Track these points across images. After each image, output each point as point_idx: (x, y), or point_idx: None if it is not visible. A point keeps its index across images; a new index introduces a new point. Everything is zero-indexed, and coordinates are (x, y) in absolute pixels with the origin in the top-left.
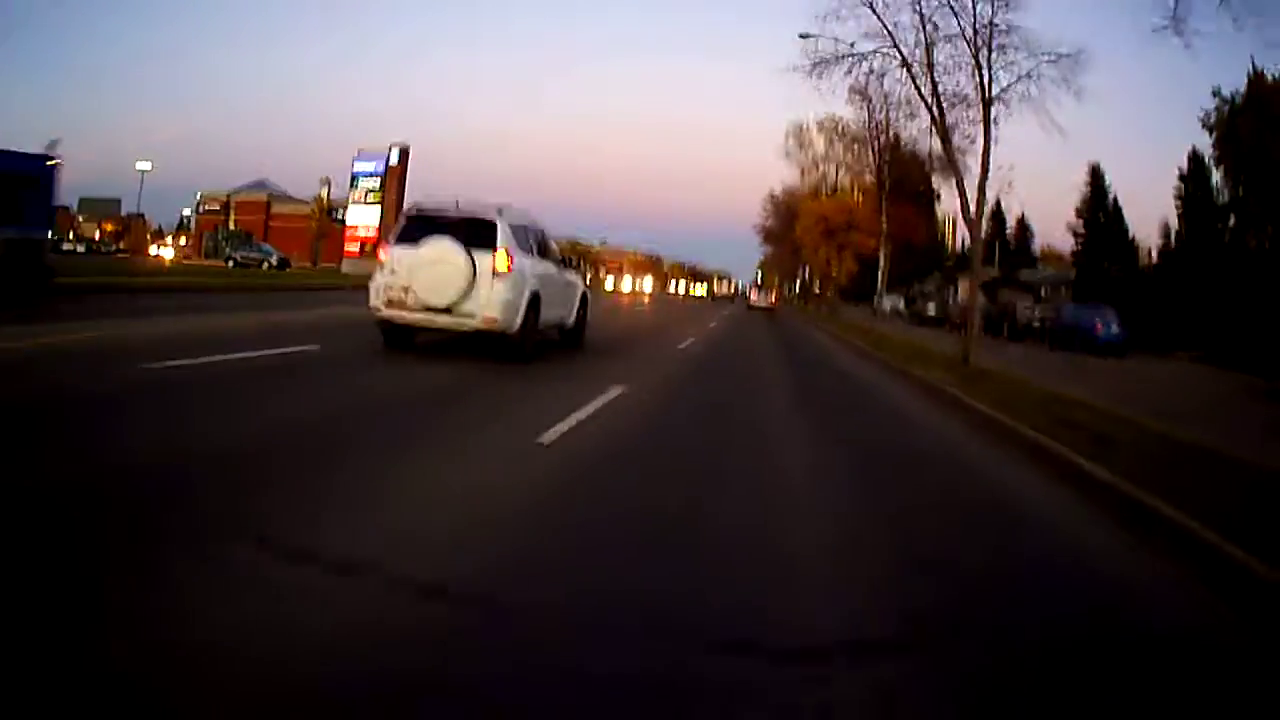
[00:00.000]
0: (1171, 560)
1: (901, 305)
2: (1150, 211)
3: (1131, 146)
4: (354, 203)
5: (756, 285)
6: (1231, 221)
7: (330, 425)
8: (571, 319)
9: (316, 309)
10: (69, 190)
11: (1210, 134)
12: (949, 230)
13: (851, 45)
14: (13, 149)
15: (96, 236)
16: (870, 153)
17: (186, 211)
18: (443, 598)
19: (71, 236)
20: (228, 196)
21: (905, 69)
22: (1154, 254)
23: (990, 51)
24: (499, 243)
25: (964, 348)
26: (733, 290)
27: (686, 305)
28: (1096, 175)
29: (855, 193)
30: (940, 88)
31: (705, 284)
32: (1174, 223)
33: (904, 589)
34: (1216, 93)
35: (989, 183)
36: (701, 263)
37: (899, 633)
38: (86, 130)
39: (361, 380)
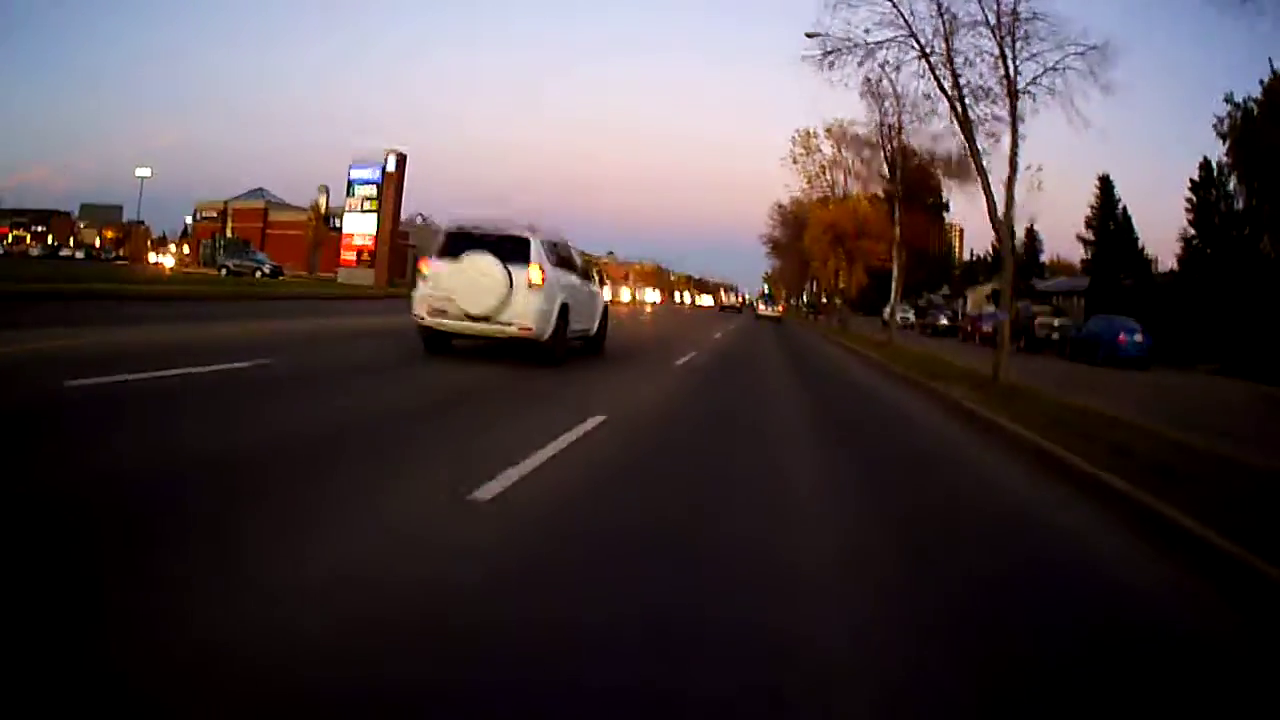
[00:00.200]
0: None
1: (912, 316)
2: (1157, 222)
3: (1138, 159)
4: (350, 210)
5: (764, 298)
6: (1246, 230)
7: (208, 471)
8: (594, 328)
9: (295, 320)
10: (71, 197)
11: (1224, 141)
12: (957, 240)
13: (866, 32)
14: None
15: (97, 243)
16: (882, 154)
17: (189, 219)
18: None
19: (71, 243)
20: (225, 204)
21: (923, 59)
22: (1173, 263)
23: (1015, 40)
24: (533, 258)
25: (995, 362)
26: (740, 301)
27: (691, 314)
28: (1106, 185)
29: (863, 200)
30: (962, 80)
31: (711, 295)
32: (1188, 232)
33: None
34: (1229, 99)
35: (1017, 181)
36: (708, 275)
37: None
38: (88, 136)
39: (296, 405)
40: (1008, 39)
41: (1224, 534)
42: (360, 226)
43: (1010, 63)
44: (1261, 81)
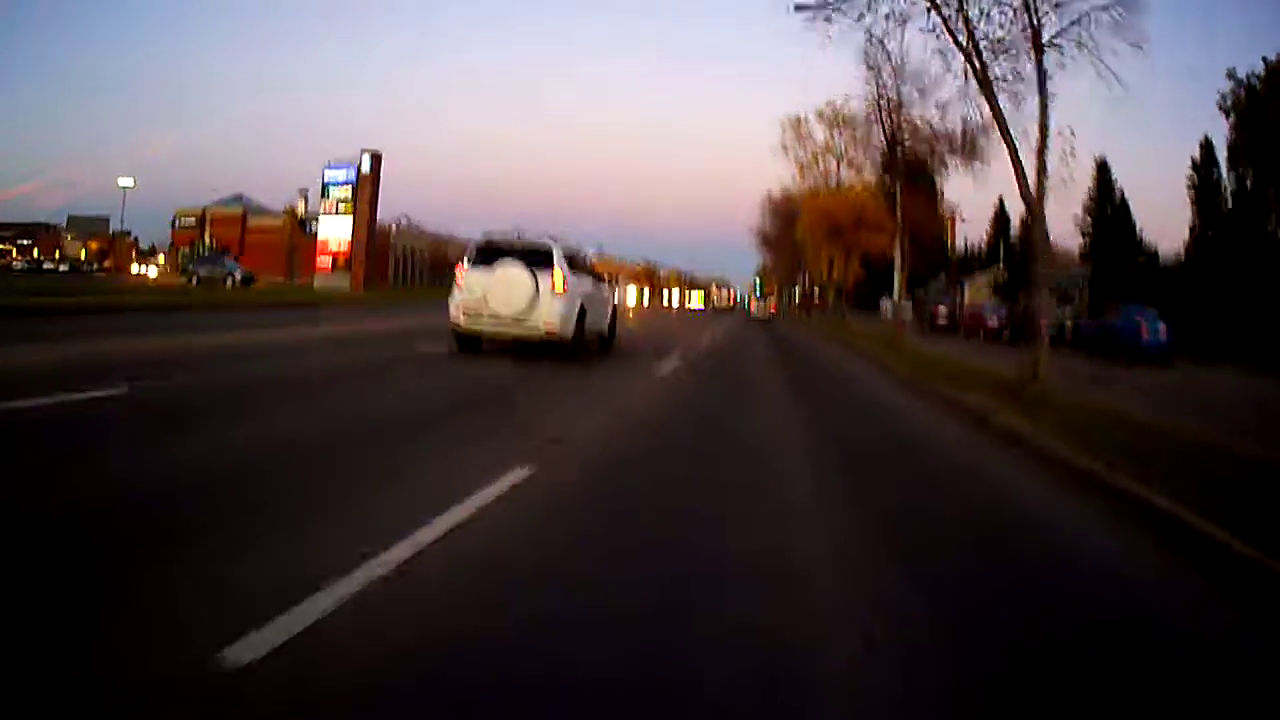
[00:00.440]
0: None
1: (909, 310)
2: (1151, 208)
3: (1131, 143)
4: (325, 214)
5: (756, 296)
6: (1254, 211)
7: None
8: (606, 327)
9: (230, 333)
10: (64, 211)
11: (1227, 117)
12: (950, 230)
13: None
14: None
15: (83, 256)
16: (881, 130)
17: (170, 227)
18: None
19: (56, 255)
20: (203, 211)
21: (933, 9)
22: (1169, 248)
23: None
24: (555, 266)
25: (1032, 362)
26: (732, 300)
27: (679, 319)
28: (1103, 170)
29: (861, 189)
30: (978, 33)
31: (702, 292)
32: (1194, 219)
33: None
34: (1231, 74)
35: (1049, 148)
36: (699, 272)
37: None
38: (80, 149)
39: (97, 460)
40: None
41: None
42: (335, 230)
43: (1034, 13)
44: (1265, 59)
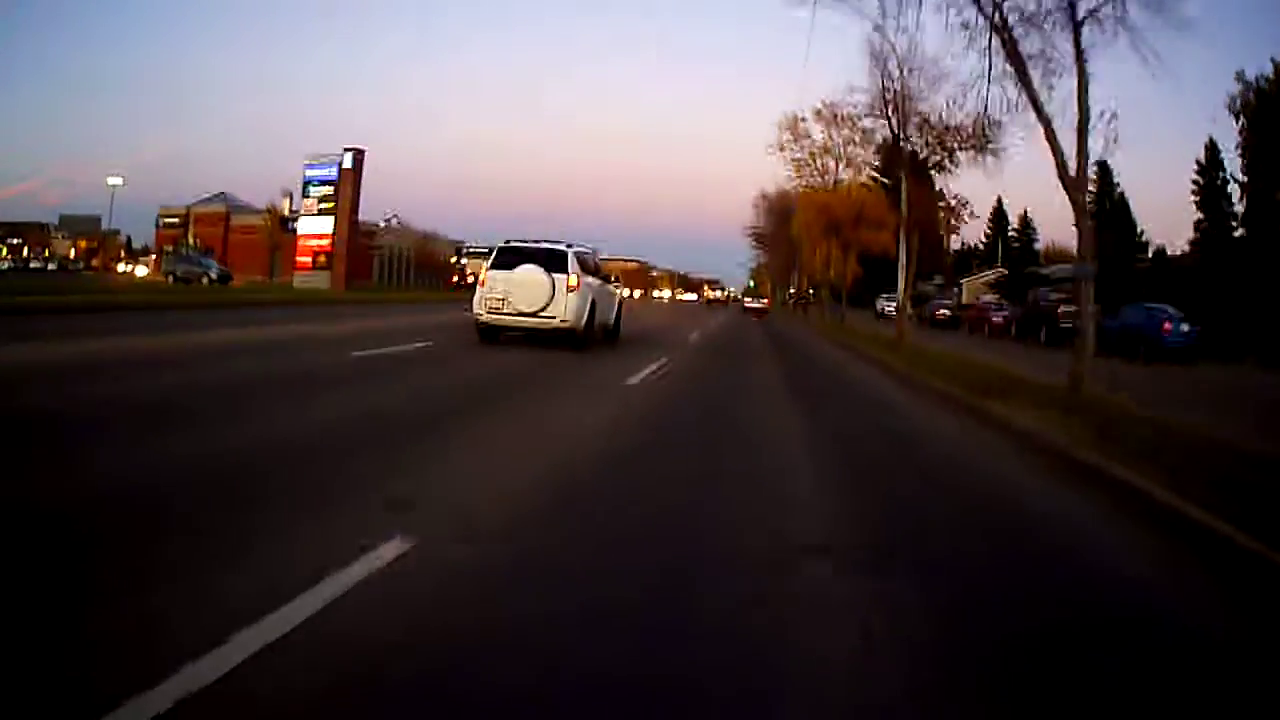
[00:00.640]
0: None
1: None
2: (1149, 208)
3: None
4: (306, 212)
5: (750, 293)
6: (1263, 212)
7: None
8: (612, 321)
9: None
10: (59, 210)
11: (1236, 119)
12: (946, 228)
13: None
14: None
15: (72, 254)
16: (887, 123)
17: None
18: None
19: (46, 254)
20: (187, 210)
21: None
22: (1170, 247)
23: None
24: (569, 267)
25: (1075, 370)
26: (727, 296)
27: (673, 307)
28: (1104, 168)
29: (860, 187)
30: (1006, 4)
31: (695, 292)
32: (1197, 215)
33: None
34: (1240, 76)
35: (1090, 131)
36: (692, 271)
37: None
38: (75, 146)
39: None
40: None
41: None
42: (316, 228)
43: None
44: (1273, 59)
